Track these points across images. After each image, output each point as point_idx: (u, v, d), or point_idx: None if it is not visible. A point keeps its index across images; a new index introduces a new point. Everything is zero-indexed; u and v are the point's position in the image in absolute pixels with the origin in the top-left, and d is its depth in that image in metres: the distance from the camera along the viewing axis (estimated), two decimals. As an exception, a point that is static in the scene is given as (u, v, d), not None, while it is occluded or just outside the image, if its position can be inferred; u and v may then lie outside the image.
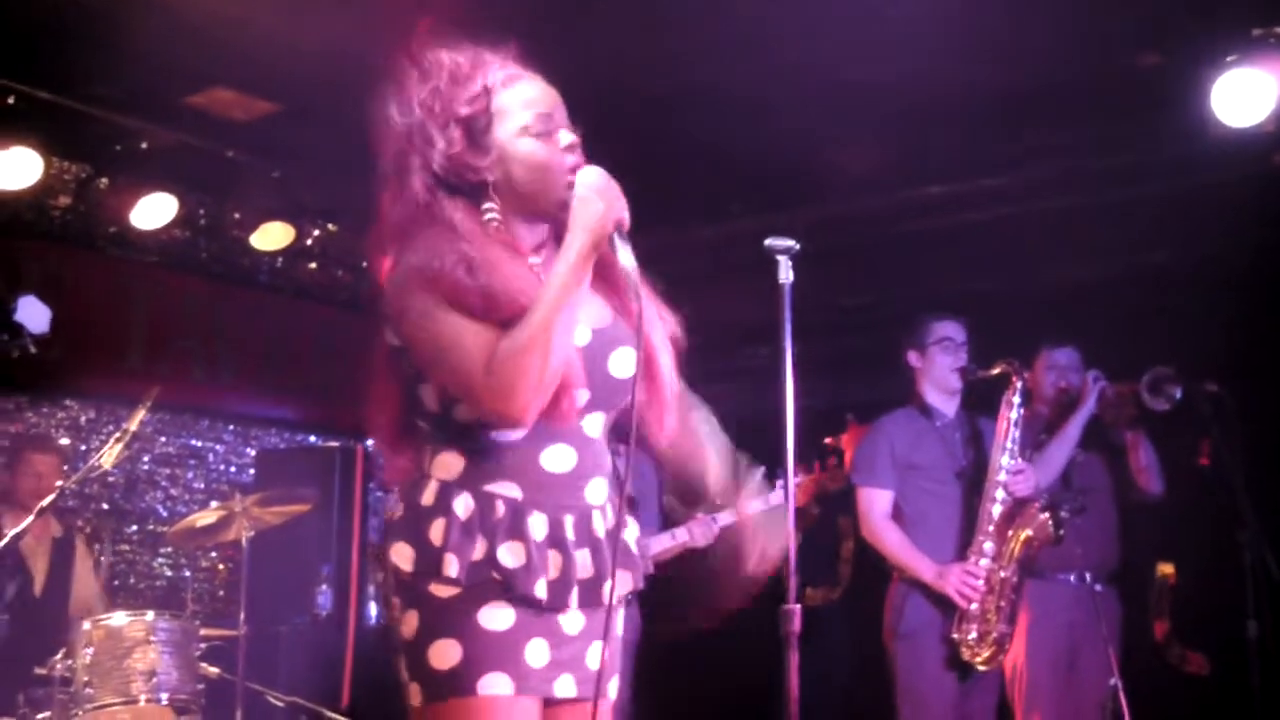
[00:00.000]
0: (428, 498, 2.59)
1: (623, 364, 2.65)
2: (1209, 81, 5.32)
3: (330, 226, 7.75)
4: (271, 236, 7.21)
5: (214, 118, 6.39)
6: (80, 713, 4.99)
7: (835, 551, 7.34)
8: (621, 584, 2.66)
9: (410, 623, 2.58)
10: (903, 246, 6.78)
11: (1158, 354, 5.38)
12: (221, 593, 7.31)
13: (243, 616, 5.40)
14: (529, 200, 2.63)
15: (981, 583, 5.03)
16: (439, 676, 2.54)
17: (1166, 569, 6.25)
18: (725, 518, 5.63)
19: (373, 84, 6.11)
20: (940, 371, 5.34)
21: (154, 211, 6.71)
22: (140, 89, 6.10)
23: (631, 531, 2.76)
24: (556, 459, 2.61)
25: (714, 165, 6.35)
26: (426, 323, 2.52)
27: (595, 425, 2.68)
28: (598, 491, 2.66)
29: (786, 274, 3.16)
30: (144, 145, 6.48)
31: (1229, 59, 5.26)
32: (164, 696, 5.09)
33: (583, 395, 2.58)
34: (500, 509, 2.57)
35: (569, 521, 2.61)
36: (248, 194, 7.04)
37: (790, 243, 3.17)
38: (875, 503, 5.26)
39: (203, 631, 5.44)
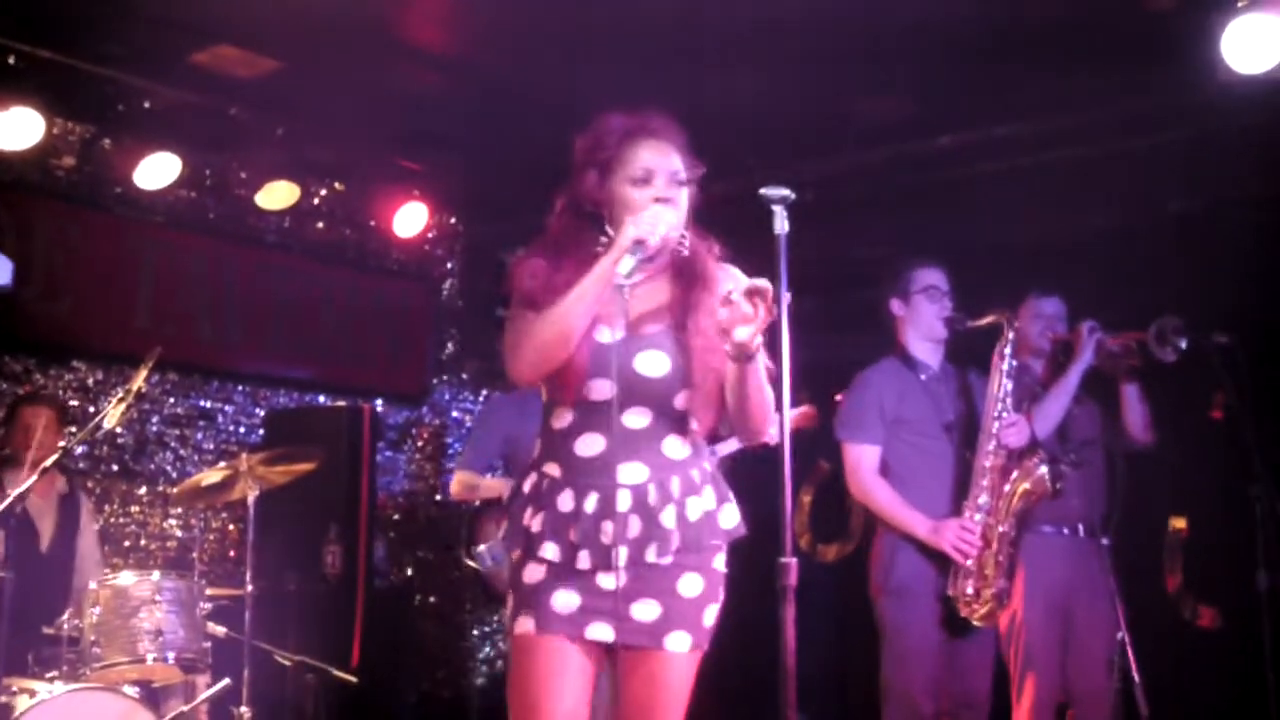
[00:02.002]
0: (522, 476, 3.37)
1: (650, 365, 3.21)
2: (1219, 27, 5.24)
3: (336, 185, 7.76)
4: (277, 195, 7.22)
5: (218, 75, 6.37)
6: (88, 672, 5.01)
7: (847, 506, 7.32)
8: (651, 551, 3.17)
9: None
10: (911, 198, 6.73)
11: (1167, 304, 5.30)
12: (233, 553, 7.30)
13: (249, 575, 5.39)
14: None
15: (978, 537, 4.94)
16: (508, 620, 3.30)
17: (1179, 523, 6.21)
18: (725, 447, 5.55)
19: (375, 41, 6.11)
20: (926, 320, 5.20)
21: (158, 171, 6.72)
22: (143, 47, 6.09)
23: (693, 508, 3.22)
24: (587, 445, 3.22)
25: (722, 119, 6.30)
26: (510, 317, 3.26)
27: (635, 419, 3.21)
28: (633, 473, 3.19)
29: (782, 224, 3.18)
30: (147, 104, 6.47)
31: (1239, 4, 5.19)
32: (171, 655, 5.11)
33: (608, 387, 3.15)
34: (545, 485, 3.26)
35: (593, 498, 3.18)
36: (253, 153, 7.03)
37: (785, 192, 3.19)
38: (864, 458, 5.12)
39: (210, 591, 5.44)
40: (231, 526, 7.34)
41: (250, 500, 5.44)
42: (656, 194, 3.21)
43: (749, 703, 7.48)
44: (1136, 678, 5.01)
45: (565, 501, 3.21)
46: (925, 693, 4.98)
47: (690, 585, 3.22)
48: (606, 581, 3.16)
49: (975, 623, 4.96)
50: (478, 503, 5.94)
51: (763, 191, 3.16)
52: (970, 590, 4.95)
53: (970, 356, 5.32)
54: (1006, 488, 5.02)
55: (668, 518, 3.19)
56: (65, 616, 5.13)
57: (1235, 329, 5.11)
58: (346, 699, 6.30)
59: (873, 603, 5.17)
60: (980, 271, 5.34)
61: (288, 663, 5.77)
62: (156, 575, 5.25)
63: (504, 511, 5.52)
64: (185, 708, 5.18)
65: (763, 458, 5.46)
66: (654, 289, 3.26)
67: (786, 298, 3.07)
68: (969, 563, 4.93)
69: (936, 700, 5.00)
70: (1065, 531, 5.36)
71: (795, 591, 3.08)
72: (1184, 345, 5.16)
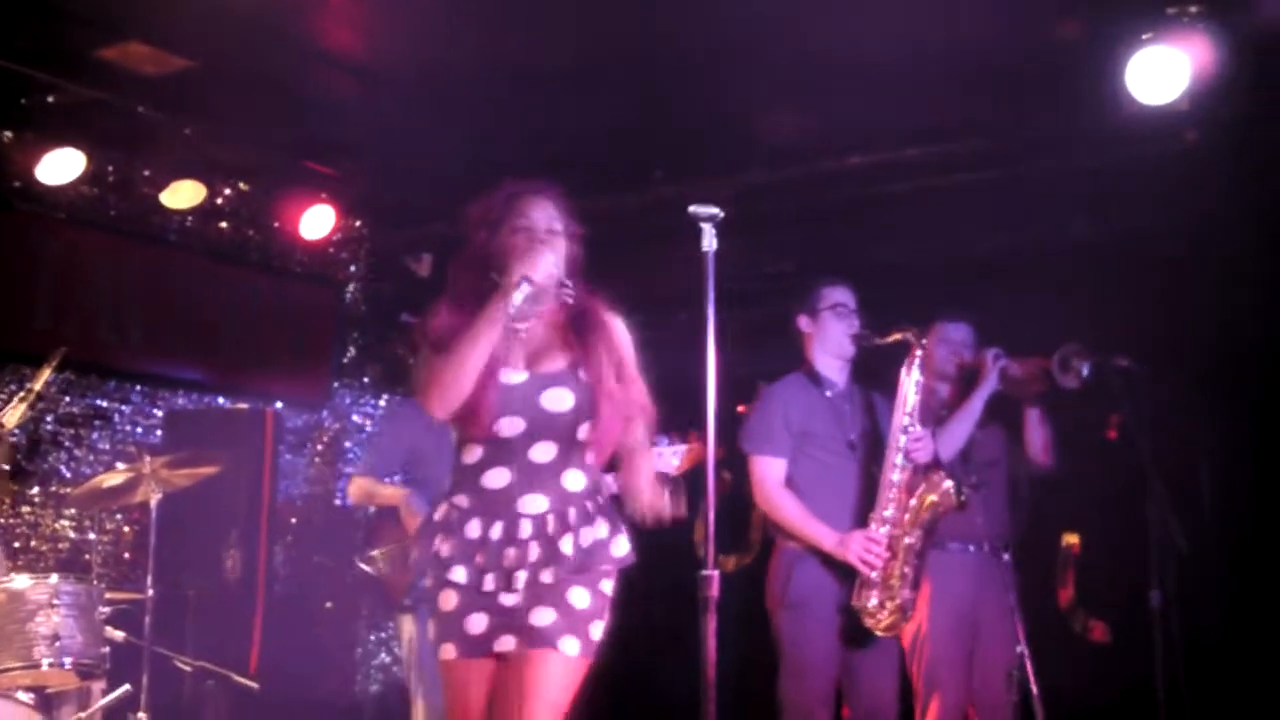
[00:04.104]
0: (433, 508, 3.71)
1: (556, 401, 3.56)
2: (1124, 58, 5.37)
3: (242, 185, 7.66)
4: (182, 195, 7.13)
5: (125, 72, 6.26)
6: (-20, 677, 4.90)
7: (747, 518, 7.38)
8: (548, 574, 3.51)
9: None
10: (823, 216, 6.80)
11: (1070, 328, 5.44)
12: (127, 556, 7.16)
13: (150, 580, 5.32)
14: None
15: (884, 549, 5.01)
16: (434, 645, 3.63)
17: (1071, 539, 6.35)
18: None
19: (287, 43, 6.06)
20: (833, 337, 5.27)
21: (61, 167, 6.59)
22: (49, 41, 5.97)
23: (586, 536, 3.55)
24: (494, 478, 3.57)
25: (638, 132, 6.34)
26: (419, 363, 3.61)
27: (542, 453, 3.57)
28: (535, 504, 3.55)
29: (710, 241, 3.24)
30: (51, 99, 6.35)
31: (1144, 37, 5.32)
32: (67, 661, 4.99)
33: (519, 423, 3.54)
34: (454, 516, 3.61)
35: (498, 526, 3.55)
36: (158, 151, 6.94)
37: (714, 210, 3.24)
38: (770, 471, 5.19)
39: (109, 595, 5.34)
40: (126, 529, 7.21)
41: (153, 503, 5.37)
42: (536, 237, 3.58)
43: (645, 710, 7.52)
44: (1035, 690, 5.13)
45: (473, 530, 3.57)
46: (821, 704, 5.05)
47: (579, 598, 3.55)
48: (509, 600, 3.52)
49: (879, 634, 5.04)
50: (373, 509, 5.92)
51: (691, 210, 3.24)
52: (874, 602, 5.02)
53: (873, 377, 5.41)
54: (913, 501, 5.09)
55: (565, 545, 3.53)
56: (-44, 621, 5.00)
57: (1136, 353, 5.25)
58: (244, 705, 6.22)
59: (770, 616, 5.22)
60: (888, 290, 5.43)
61: (187, 668, 5.69)
62: (54, 579, 5.11)
63: (398, 520, 5.54)
64: (82, 715, 5.06)
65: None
66: (547, 333, 3.66)
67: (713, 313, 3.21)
68: (874, 574, 5.01)
69: (832, 712, 5.07)
70: (971, 549, 5.47)
71: (703, 603, 3.31)
72: (1086, 373, 5.30)
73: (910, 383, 5.16)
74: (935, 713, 5.35)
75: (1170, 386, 5.44)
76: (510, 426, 3.55)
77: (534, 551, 3.53)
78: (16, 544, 6.85)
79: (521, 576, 3.51)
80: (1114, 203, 6.25)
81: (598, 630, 3.58)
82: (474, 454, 3.61)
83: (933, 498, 5.10)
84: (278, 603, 7.18)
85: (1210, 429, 6.17)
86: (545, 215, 3.65)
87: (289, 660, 6.97)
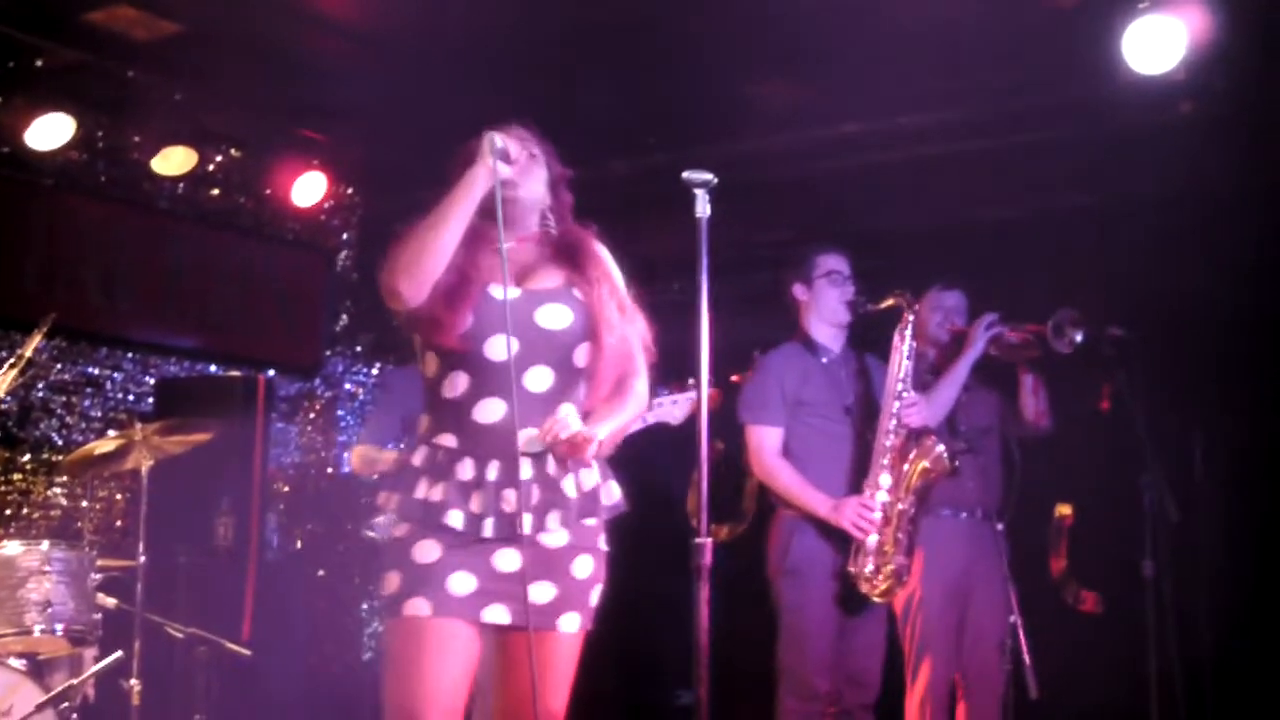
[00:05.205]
0: (409, 453, 3.33)
1: (552, 318, 3.25)
2: (1120, 27, 5.35)
3: (233, 151, 7.63)
4: (173, 161, 7.10)
5: (115, 36, 6.22)
6: (-29, 643, 4.89)
7: (740, 487, 7.38)
8: (554, 519, 3.22)
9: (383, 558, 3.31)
10: (817, 184, 6.78)
11: (1064, 296, 5.43)
12: (119, 523, 7.16)
13: (141, 546, 5.31)
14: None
15: (878, 515, 5.02)
16: (385, 601, 3.24)
17: (1064, 509, 6.33)
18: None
19: (278, 7, 6.02)
20: (828, 305, 5.26)
21: (50, 132, 6.55)
22: (37, 3, 5.92)
23: (586, 478, 3.29)
24: (486, 411, 3.20)
25: (630, 99, 6.31)
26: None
27: (537, 380, 3.23)
28: (534, 440, 3.18)
29: (704, 208, 3.22)
30: (40, 63, 6.30)
31: (1141, 5, 5.29)
32: (59, 627, 5.00)
33: (509, 343, 3.17)
34: (440, 456, 3.23)
35: (494, 466, 3.18)
36: (149, 116, 6.90)
37: (708, 176, 3.22)
38: (766, 440, 5.19)
39: (100, 562, 5.34)
40: (119, 496, 7.21)
41: (144, 470, 5.36)
42: (507, 151, 3.30)
43: (638, 678, 7.54)
44: (1027, 660, 5.14)
45: (465, 471, 3.20)
46: (819, 672, 5.07)
47: (582, 567, 3.32)
48: (504, 563, 3.20)
49: (875, 599, 5.06)
50: (376, 477, 5.91)
51: (685, 175, 3.21)
52: (870, 567, 5.03)
53: (868, 342, 5.40)
54: (906, 466, 5.10)
55: (568, 487, 3.26)
56: (-53, 587, 4.99)
57: (1129, 322, 5.25)
58: (236, 672, 6.22)
59: (769, 584, 5.23)
60: (883, 258, 5.42)
61: (179, 635, 5.68)
62: (46, 545, 5.11)
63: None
64: (74, 681, 5.05)
65: (656, 438, 5.52)
66: (536, 257, 3.39)
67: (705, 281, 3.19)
68: (869, 540, 5.01)
69: (830, 679, 5.09)
70: (963, 515, 5.47)
71: (696, 571, 3.17)
72: (1080, 338, 5.29)
73: (904, 348, 5.17)
74: (925, 678, 5.37)
75: (1164, 355, 5.43)
76: (498, 349, 3.19)
77: (535, 495, 3.20)
78: (8, 511, 6.85)
79: (527, 521, 3.17)
80: (1109, 172, 6.24)
81: (597, 595, 3.36)
82: (458, 385, 3.23)
83: (925, 463, 5.11)
84: (269, 570, 7.19)
85: (1204, 399, 6.17)
86: (521, 141, 3.38)
87: (281, 628, 6.98)
